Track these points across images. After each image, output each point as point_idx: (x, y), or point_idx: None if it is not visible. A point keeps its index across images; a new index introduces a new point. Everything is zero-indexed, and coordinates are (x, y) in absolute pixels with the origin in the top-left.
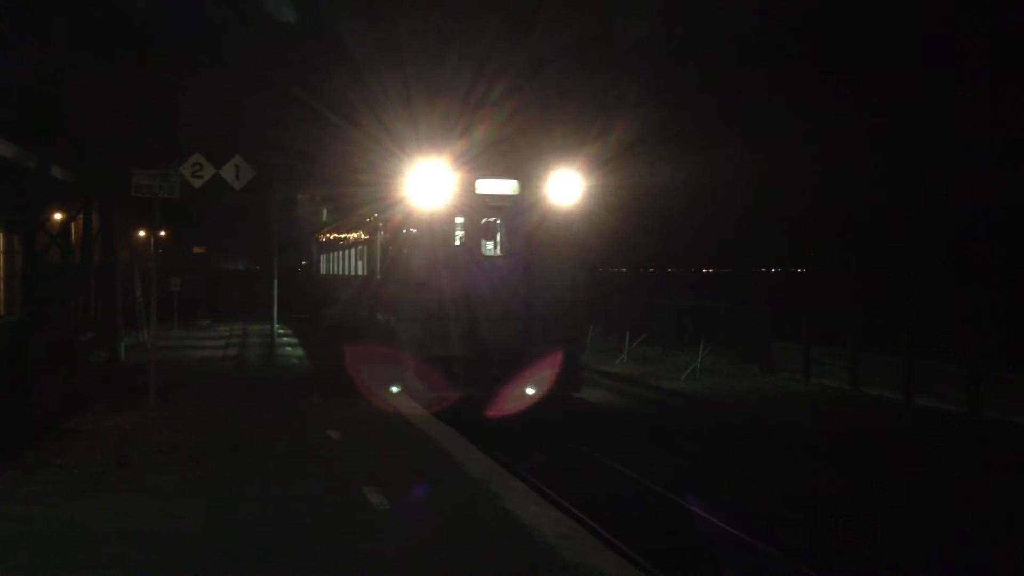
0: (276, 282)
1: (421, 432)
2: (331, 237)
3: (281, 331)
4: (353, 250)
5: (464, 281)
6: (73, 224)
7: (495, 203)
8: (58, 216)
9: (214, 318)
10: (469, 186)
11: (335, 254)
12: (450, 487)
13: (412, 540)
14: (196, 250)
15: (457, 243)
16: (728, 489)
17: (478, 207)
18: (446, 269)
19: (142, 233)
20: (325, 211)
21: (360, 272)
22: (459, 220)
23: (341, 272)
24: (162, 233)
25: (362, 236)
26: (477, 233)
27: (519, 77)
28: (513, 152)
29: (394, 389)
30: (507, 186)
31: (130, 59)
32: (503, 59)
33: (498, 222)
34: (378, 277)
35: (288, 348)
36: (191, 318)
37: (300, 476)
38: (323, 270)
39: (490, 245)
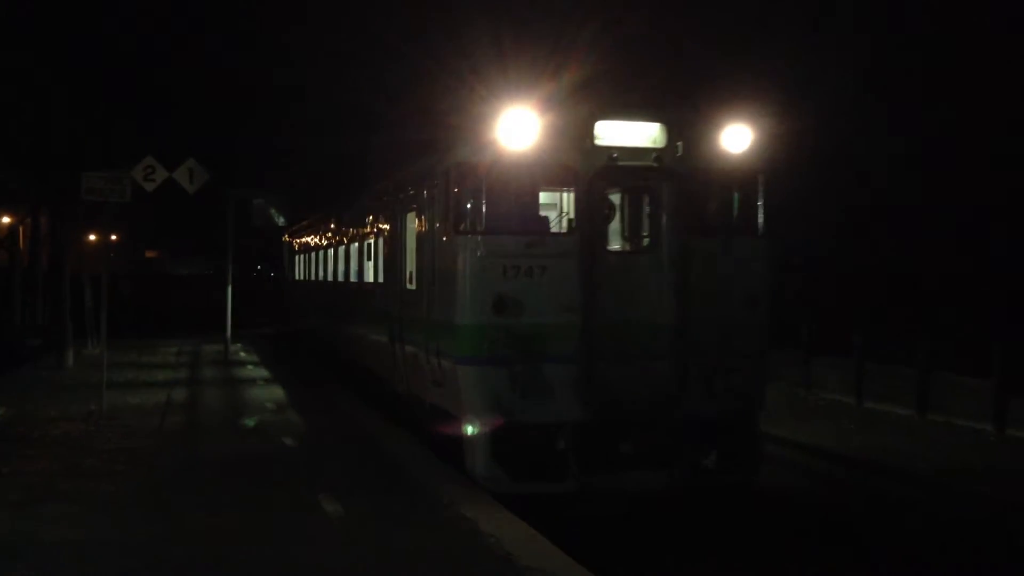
0: (231, 291)
1: None
2: (311, 235)
3: (243, 352)
4: (351, 247)
5: (577, 293)
6: (21, 227)
7: (628, 161)
8: (6, 220)
9: (165, 329)
10: (583, 133)
11: (317, 255)
12: None
13: None
14: (149, 254)
15: (563, 229)
16: None
17: (600, 169)
18: (548, 274)
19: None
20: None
21: (368, 278)
22: (567, 192)
23: (328, 278)
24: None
25: (374, 226)
26: (597, 212)
27: None
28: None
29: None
30: (647, 133)
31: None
32: None
33: (634, 195)
34: (410, 286)
35: (259, 385)
36: (140, 330)
37: None
38: (298, 275)
39: (618, 231)
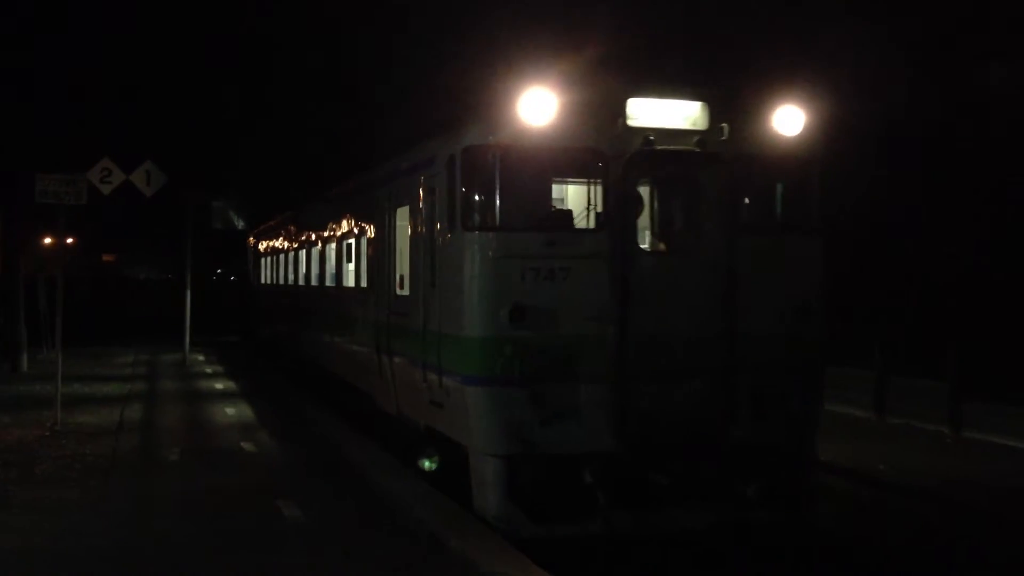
0: (190, 296)
1: None
2: (279, 236)
3: (204, 363)
4: (327, 248)
5: (608, 300)
6: None
7: (665, 144)
8: None
9: (123, 335)
10: (614, 113)
11: (287, 257)
12: None
13: None
14: (106, 258)
15: (591, 225)
16: None
17: (634, 155)
18: (573, 277)
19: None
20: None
21: (348, 282)
22: (594, 183)
23: (299, 282)
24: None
25: (356, 224)
26: (630, 205)
27: None
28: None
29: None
30: (688, 113)
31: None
32: None
33: (669, 185)
34: (401, 292)
35: (226, 407)
36: (96, 336)
37: None
38: (264, 279)
39: (648, 227)
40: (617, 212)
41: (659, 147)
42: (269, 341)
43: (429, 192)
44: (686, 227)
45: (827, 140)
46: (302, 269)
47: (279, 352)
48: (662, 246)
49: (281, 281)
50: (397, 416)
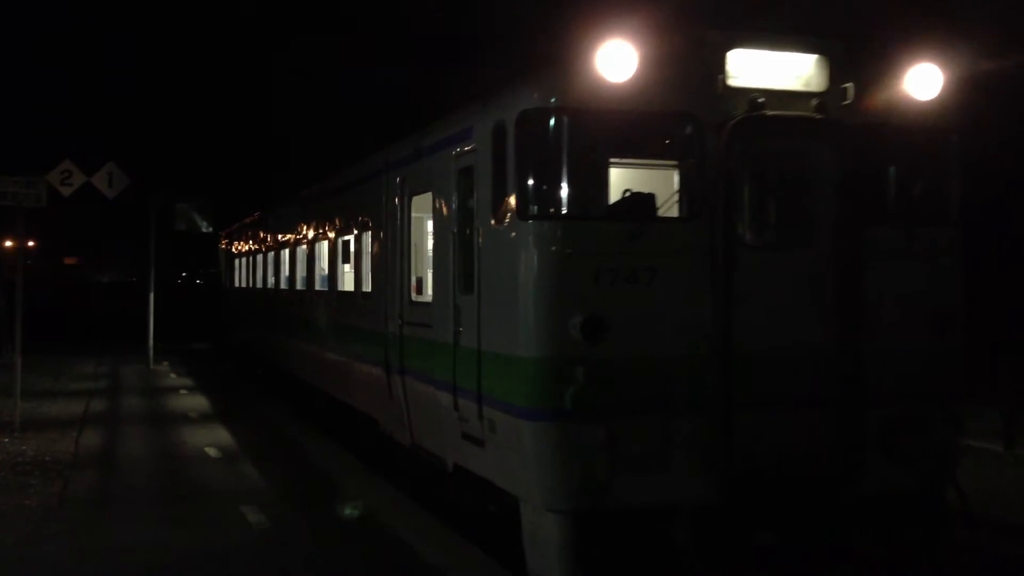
0: (154, 301)
1: None
2: (258, 234)
3: (173, 373)
4: (318, 247)
5: (705, 308)
6: None
7: (778, 109)
8: None
9: (86, 340)
10: (711, 70)
11: (267, 257)
12: None
13: None
14: (68, 260)
15: (682, 213)
16: None
17: (739, 122)
18: (660, 280)
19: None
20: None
21: (345, 285)
22: (686, 157)
23: (282, 286)
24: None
25: (356, 217)
26: (730, 187)
27: None
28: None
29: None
30: (802, 70)
31: None
32: None
33: (775, 161)
34: (418, 298)
35: (198, 424)
36: (59, 342)
37: None
38: (239, 282)
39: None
40: (716, 196)
41: (769, 112)
42: (244, 349)
43: (463, 173)
44: (799, 215)
45: (968, 107)
46: (285, 271)
47: (256, 361)
48: (769, 240)
49: (259, 284)
50: (411, 449)
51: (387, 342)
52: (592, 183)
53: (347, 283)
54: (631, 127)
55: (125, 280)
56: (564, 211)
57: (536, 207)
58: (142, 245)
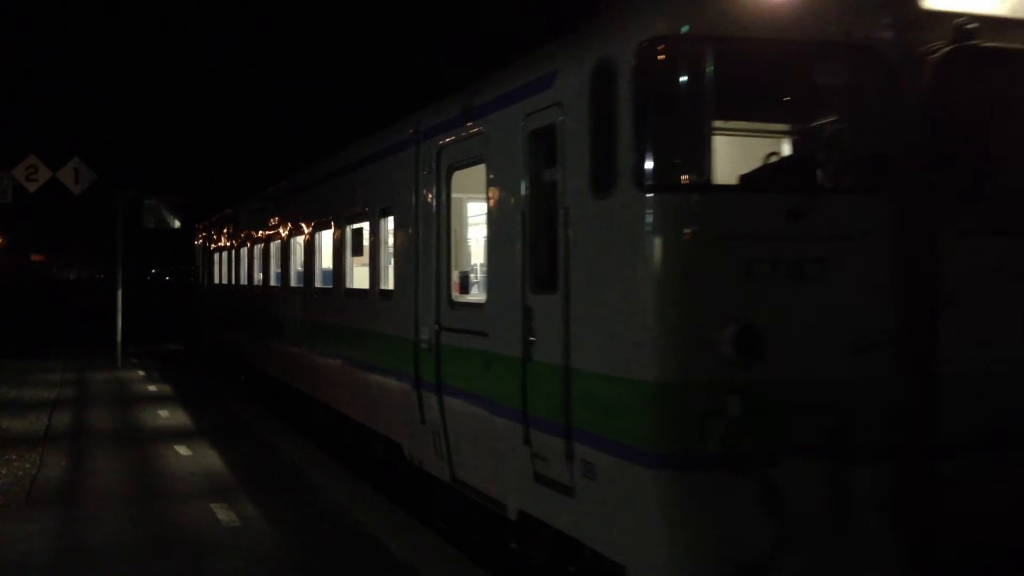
0: (121, 297)
1: None
2: (242, 225)
3: (147, 381)
4: (318, 236)
5: (897, 315)
6: None
7: (992, 40)
8: None
9: (52, 340)
10: None
11: (251, 251)
12: None
13: None
14: (35, 257)
15: (859, 184)
16: None
17: (945, 57)
18: (831, 275)
19: None
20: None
21: (355, 282)
22: (866, 104)
23: (271, 282)
24: None
25: (371, 200)
26: (932, 148)
27: None
28: None
29: None
30: None
31: None
32: None
33: (987, 111)
34: (460, 297)
35: (182, 458)
36: (24, 342)
37: None
38: (218, 279)
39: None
40: (907, 161)
41: (986, 44)
42: (224, 352)
43: (539, 136)
44: (1017, 188)
45: None
46: (275, 266)
47: (239, 366)
48: (983, 221)
49: (244, 281)
50: (451, 483)
51: (417, 351)
52: (738, 142)
53: (358, 280)
54: (794, 64)
55: (93, 277)
56: (703, 179)
57: (663, 174)
58: (110, 242)
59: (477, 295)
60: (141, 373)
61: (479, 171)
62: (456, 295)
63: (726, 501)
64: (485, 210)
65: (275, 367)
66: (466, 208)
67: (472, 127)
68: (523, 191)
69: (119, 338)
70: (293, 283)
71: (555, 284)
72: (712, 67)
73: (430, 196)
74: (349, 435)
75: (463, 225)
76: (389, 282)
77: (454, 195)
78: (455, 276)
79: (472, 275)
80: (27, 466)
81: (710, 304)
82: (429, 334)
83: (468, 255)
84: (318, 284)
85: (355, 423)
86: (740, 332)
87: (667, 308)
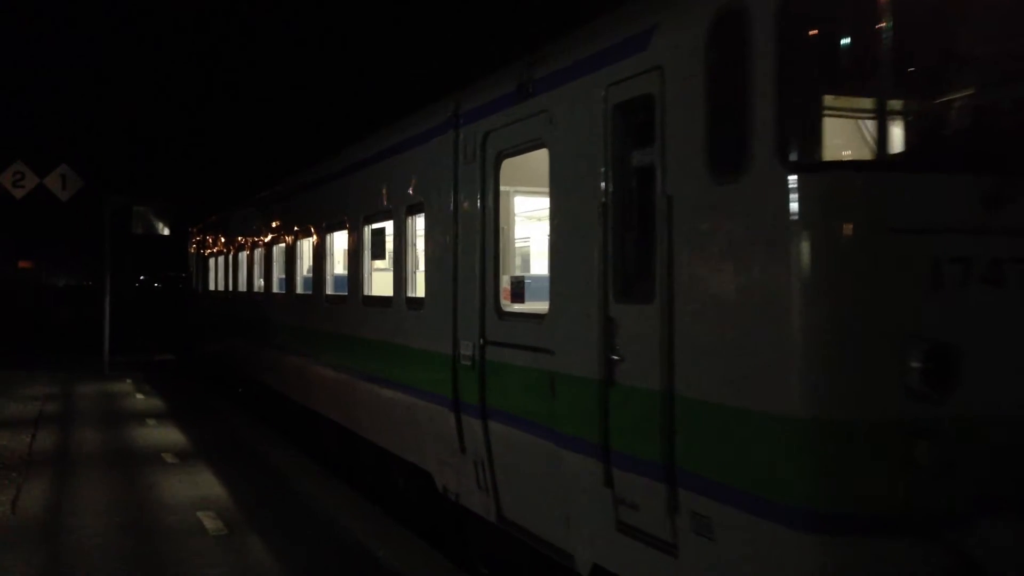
0: (109, 305)
1: None
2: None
3: (136, 391)
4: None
5: None
6: None
7: None
8: None
9: (40, 349)
10: None
11: (252, 255)
12: None
13: None
14: (22, 264)
15: None
16: None
17: None
18: None
19: None
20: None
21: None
22: None
23: (269, 289)
24: None
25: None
26: None
27: None
28: None
29: None
30: None
31: None
32: None
33: None
34: (510, 305)
35: (182, 487)
36: (11, 351)
37: None
38: (214, 285)
39: None
40: None
41: None
42: (220, 362)
43: (625, 110)
44: None
45: None
46: (279, 272)
47: (236, 378)
48: None
49: (244, 288)
50: (496, 523)
51: (455, 369)
52: (925, 106)
53: (378, 286)
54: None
55: (81, 284)
56: (874, 156)
57: (817, 149)
58: (98, 248)
59: (534, 304)
60: (132, 386)
61: (537, 158)
62: (507, 304)
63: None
64: (548, 204)
65: (277, 380)
66: (512, 202)
67: (531, 105)
68: (603, 179)
69: (106, 349)
70: (299, 290)
71: (650, 292)
72: (884, 13)
73: (473, 189)
74: (363, 454)
75: (510, 220)
76: (418, 289)
77: (502, 188)
78: (505, 282)
79: (524, 279)
80: (6, 497)
81: (886, 317)
82: (472, 349)
83: (511, 255)
84: (329, 291)
85: (368, 442)
86: (929, 354)
87: (826, 323)
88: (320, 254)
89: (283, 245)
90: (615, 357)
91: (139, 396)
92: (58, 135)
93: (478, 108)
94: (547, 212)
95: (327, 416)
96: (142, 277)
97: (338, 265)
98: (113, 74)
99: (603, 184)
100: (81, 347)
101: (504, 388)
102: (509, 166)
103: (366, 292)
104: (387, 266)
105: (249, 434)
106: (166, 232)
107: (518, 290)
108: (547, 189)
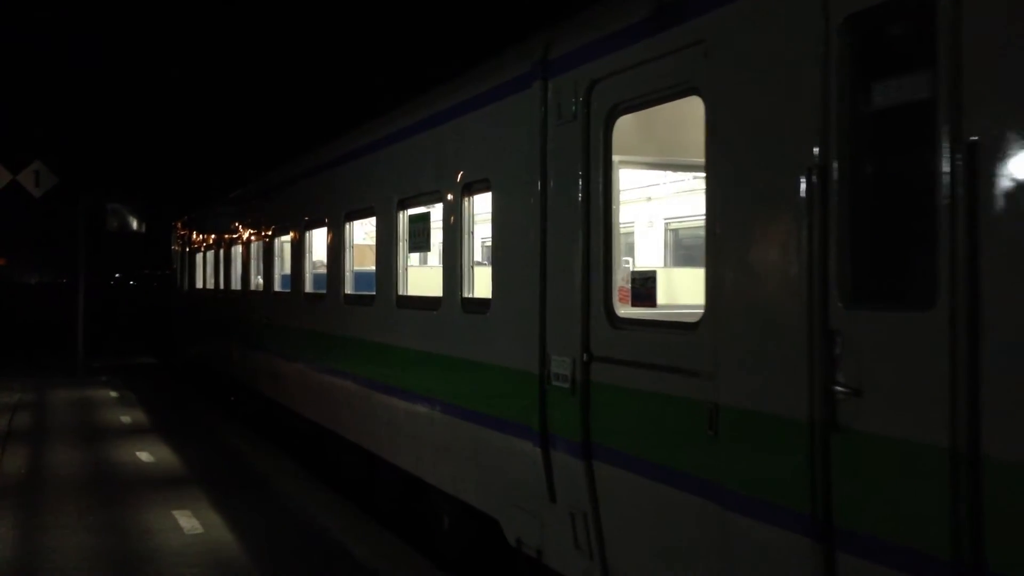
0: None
1: None
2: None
3: (119, 402)
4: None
5: None
6: None
7: None
8: None
9: (6, 354)
10: None
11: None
12: None
13: None
14: None
15: None
16: None
17: None
18: None
19: None
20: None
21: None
22: None
23: (271, 287)
24: None
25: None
26: None
27: None
28: None
29: None
30: None
31: None
32: None
33: None
34: (627, 311)
35: (179, 529)
36: None
37: None
38: (202, 283)
39: None
40: None
41: None
42: (210, 367)
43: (870, 25)
44: None
45: None
46: (284, 268)
47: (231, 386)
48: None
49: (240, 286)
50: None
51: (543, 392)
52: None
53: (417, 284)
54: None
55: (55, 282)
56: None
57: None
58: (72, 245)
59: (670, 308)
60: (111, 394)
61: (680, 109)
62: (624, 308)
63: None
64: (704, 173)
65: (279, 390)
66: (618, 176)
67: (674, 36)
68: (818, 131)
69: (80, 353)
70: (308, 288)
71: (927, 292)
72: None
73: (570, 158)
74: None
75: (616, 201)
76: (480, 287)
77: (616, 158)
78: (621, 278)
79: (656, 276)
80: None
81: None
82: (570, 367)
83: (621, 246)
84: (347, 290)
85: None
86: None
87: None
88: (335, 247)
89: (288, 237)
90: (840, 389)
91: (119, 407)
92: (32, 132)
93: (580, 49)
94: (672, 188)
95: (345, 436)
96: (117, 275)
97: (358, 260)
98: (89, 70)
99: (815, 138)
100: (56, 347)
101: (621, 420)
102: (630, 125)
103: (399, 292)
104: (431, 260)
105: (248, 452)
106: (141, 229)
107: (643, 289)
108: (671, 157)
